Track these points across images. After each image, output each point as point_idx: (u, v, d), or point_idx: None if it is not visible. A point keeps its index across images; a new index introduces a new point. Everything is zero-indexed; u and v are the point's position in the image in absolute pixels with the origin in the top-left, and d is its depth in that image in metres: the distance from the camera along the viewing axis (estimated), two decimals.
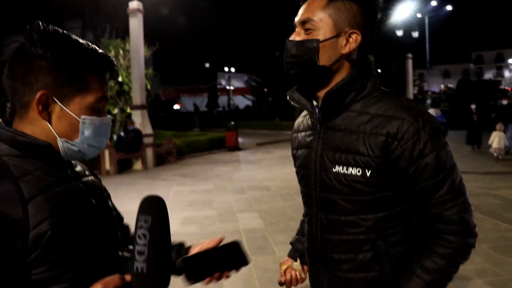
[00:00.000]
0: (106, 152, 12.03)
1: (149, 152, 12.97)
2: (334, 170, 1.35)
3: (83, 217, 1.08)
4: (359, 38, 1.33)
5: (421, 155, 1.26)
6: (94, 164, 11.45)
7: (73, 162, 1.21)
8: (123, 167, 12.61)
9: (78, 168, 1.23)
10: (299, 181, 1.54)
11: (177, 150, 14.35)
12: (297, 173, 1.54)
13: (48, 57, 1.06)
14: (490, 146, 12.62)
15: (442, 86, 73.18)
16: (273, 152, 15.98)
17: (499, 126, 12.52)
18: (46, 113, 1.08)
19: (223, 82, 64.91)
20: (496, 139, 12.22)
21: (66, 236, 1.02)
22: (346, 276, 1.39)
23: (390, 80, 28.43)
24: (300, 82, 1.41)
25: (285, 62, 1.38)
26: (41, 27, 1.08)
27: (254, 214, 7.13)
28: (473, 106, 15.81)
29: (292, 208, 7.27)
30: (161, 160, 13.74)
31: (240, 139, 18.43)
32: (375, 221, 1.34)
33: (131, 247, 1.24)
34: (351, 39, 1.33)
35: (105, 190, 1.27)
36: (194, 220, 6.73)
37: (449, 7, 41.76)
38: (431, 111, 11.59)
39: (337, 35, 1.32)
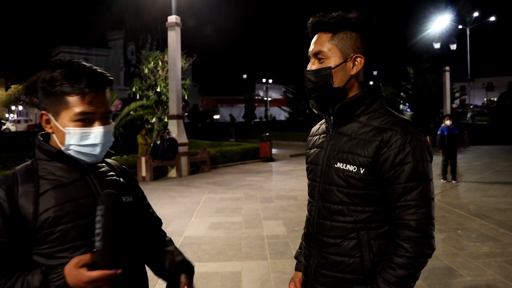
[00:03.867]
0: (143, 160, 12.61)
1: (184, 161, 13.47)
2: (335, 165, 1.61)
3: (80, 207, 1.41)
4: (363, 60, 1.62)
5: (401, 163, 1.50)
6: (132, 170, 11.99)
7: (105, 161, 1.58)
8: (158, 174, 13.17)
9: (104, 168, 1.56)
10: (308, 175, 1.80)
11: (211, 159, 14.80)
12: (307, 168, 1.81)
13: (41, 87, 1.43)
14: None
15: (485, 99, 71.39)
16: (305, 164, 16.17)
17: None
18: (49, 127, 1.46)
19: (261, 93, 65.47)
20: None
21: (66, 221, 1.38)
22: (332, 258, 1.62)
23: (425, 93, 28.17)
24: (321, 102, 1.70)
25: (306, 88, 1.68)
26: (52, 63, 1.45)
27: (279, 221, 7.42)
28: None
29: None
30: (196, 168, 14.22)
31: (274, 150, 18.74)
32: (362, 213, 1.57)
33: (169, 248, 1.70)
34: (356, 62, 1.62)
35: (124, 189, 1.56)
36: (221, 225, 7.08)
37: (492, 18, 40.71)
38: (447, 121, 11.40)
39: (345, 61, 1.61)
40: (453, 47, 26.25)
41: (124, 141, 16.07)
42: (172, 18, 13.76)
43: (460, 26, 38.07)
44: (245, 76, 55.32)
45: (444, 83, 22.93)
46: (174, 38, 13.74)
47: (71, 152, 1.44)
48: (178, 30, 13.84)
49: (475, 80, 72.77)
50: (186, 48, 16.09)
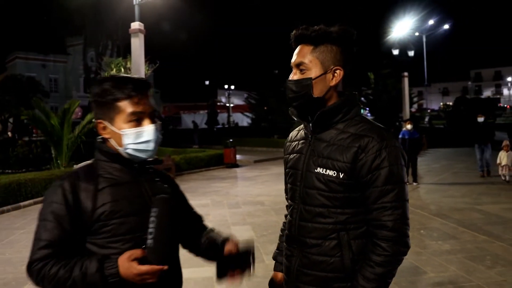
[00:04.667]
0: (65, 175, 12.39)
1: None
2: (316, 170, 1.70)
3: (132, 205, 1.59)
4: (342, 72, 1.72)
5: (377, 167, 1.61)
6: None
7: (151, 167, 1.74)
8: None
9: (152, 174, 1.74)
10: (287, 180, 1.88)
11: (176, 166, 14.72)
12: (287, 173, 1.89)
13: (94, 100, 1.64)
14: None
15: (441, 104, 73.75)
16: (269, 169, 16.35)
17: (505, 144, 11.55)
18: (106, 133, 1.64)
19: (223, 99, 65.43)
20: (505, 159, 11.38)
21: (119, 216, 1.55)
22: (314, 258, 1.71)
23: (385, 97, 28.93)
24: (301, 110, 1.78)
25: (287, 97, 1.76)
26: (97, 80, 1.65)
27: (247, 226, 7.50)
28: None
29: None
30: None
31: (238, 156, 18.79)
32: (342, 215, 1.66)
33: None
34: (336, 74, 1.72)
35: (170, 193, 1.68)
36: None
37: (446, 26, 42.24)
38: (408, 126, 11.74)
39: (325, 72, 1.70)
40: (411, 53, 27.02)
41: (87, 149, 15.79)
42: (136, 25, 13.64)
43: (416, 34, 39.27)
44: (207, 82, 55.20)
45: (403, 88, 23.52)
46: (137, 44, 13.63)
47: (129, 151, 1.62)
48: (141, 36, 13.73)
49: (431, 85, 75.10)
50: (148, 54, 15.98)
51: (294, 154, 1.85)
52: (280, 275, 2.01)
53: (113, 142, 1.64)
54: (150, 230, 1.48)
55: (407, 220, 1.64)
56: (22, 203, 9.93)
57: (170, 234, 1.54)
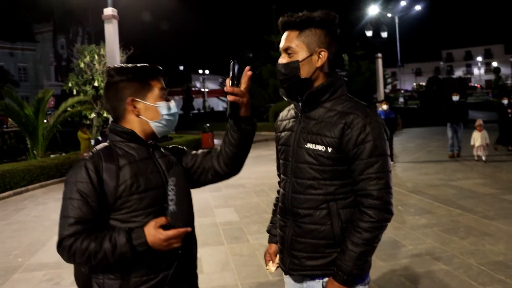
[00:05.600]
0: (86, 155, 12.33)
1: None
2: (306, 146, 1.82)
3: (150, 180, 1.70)
4: (326, 53, 1.82)
5: (362, 141, 1.72)
6: None
7: (159, 146, 1.86)
8: None
9: (162, 150, 1.87)
10: (280, 156, 2.01)
11: None
12: (279, 150, 2.01)
13: (125, 79, 1.74)
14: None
15: (415, 84, 74.84)
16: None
17: (478, 124, 11.28)
18: (136, 110, 1.75)
19: (198, 84, 65.09)
20: (479, 140, 11.19)
21: (139, 191, 1.66)
22: (306, 227, 1.83)
23: (359, 79, 29.27)
24: (291, 91, 1.88)
25: (278, 79, 1.88)
26: (113, 67, 1.78)
27: (230, 209, 7.63)
28: (505, 101, 13.49)
29: (266, 203, 7.77)
30: None
31: (216, 141, 18.86)
32: (331, 186, 1.78)
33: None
34: (321, 55, 1.82)
35: (177, 164, 1.86)
36: None
37: (418, 7, 42.57)
38: (384, 106, 11.96)
39: (311, 55, 1.81)
40: (384, 34, 27.30)
41: (62, 139, 15.64)
42: (109, 11, 13.41)
43: (389, 15, 39.59)
44: (181, 67, 54.78)
45: (377, 70, 23.85)
46: (111, 31, 13.43)
47: (163, 122, 1.78)
48: (115, 22, 13.53)
49: (405, 66, 76.01)
50: (122, 40, 15.78)
51: (286, 132, 1.97)
52: (274, 246, 2.14)
53: (143, 118, 1.76)
54: (170, 197, 1.61)
55: (391, 189, 1.76)
56: (1, 194, 9.85)
57: (189, 198, 1.68)
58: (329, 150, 1.77)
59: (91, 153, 1.72)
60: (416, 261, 4.68)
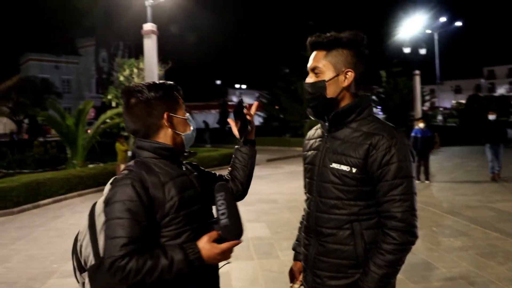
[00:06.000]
0: (122, 167, 12.60)
1: None
2: (330, 166, 1.84)
3: (192, 196, 1.75)
4: (353, 74, 1.86)
5: (387, 163, 1.73)
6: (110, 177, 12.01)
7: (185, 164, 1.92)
8: None
9: (190, 167, 1.92)
10: (306, 175, 2.03)
11: None
12: (305, 169, 2.04)
13: (158, 96, 1.78)
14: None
15: (454, 102, 73.17)
16: (282, 168, 16.46)
17: None
18: (170, 124, 1.79)
19: (234, 99, 65.58)
20: None
21: (185, 207, 1.70)
22: (329, 246, 1.85)
23: (396, 96, 28.85)
24: (317, 110, 1.92)
25: (304, 98, 1.93)
26: (140, 85, 1.80)
27: (262, 224, 7.65)
28: None
29: (298, 219, 7.61)
30: None
31: None
32: (354, 207, 1.80)
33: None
34: (347, 75, 1.85)
35: (204, 182, 1.91)
36: None
37: (459, 23, 41.77)
38: (420, 124, 11.74)
39: (337, 75, 1.85)
40: (423, 51, 26.91)
41: (101, 149, 16.03)
42: (148, 26, 13.80)
43: (428, 31, 39.04)
44: (218, 82, 55.48)
45: (415, 87, 23.51)
46: (150, 45, 13.79)
47: (193, 132, 1.88)
48: (154, 37, 13.89)
49: (444, 83, 74.49)
50: (160, 55, 16.13)
51: (312, 151, 2.00)
52: (299, 264, 2.15)
53: (178, 130, 1.83)
54: (221, 211, 1.66)
55: (415, 211, 1.75)
56: (41, 202, 10.19)
57: (239, 211, 1.70)
58: (354, 170, 1.78)
59: (130, 171, 1.70)
60: (449, 285, 4.56)
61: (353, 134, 1.83)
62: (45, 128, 44.64)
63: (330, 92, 1.85)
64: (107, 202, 1.64)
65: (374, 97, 31.13)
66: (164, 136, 1.80)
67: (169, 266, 1.56)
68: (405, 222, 1.72)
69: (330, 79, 1.85)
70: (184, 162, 1.93)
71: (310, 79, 1.91)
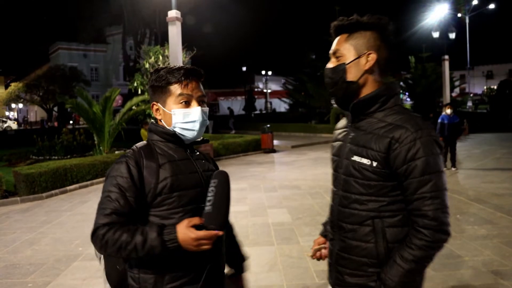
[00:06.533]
0: (127, 152, 12.76)
1: None
2: (352, 158, 1.75)
3: (190, 179, 1.77)
4: (375, 56, 1.76)
5: (412, 158, 1.62)
6: None
7: (194, 149, 1.94)
8: None
9: (199, 154, 1.95)
10: (332, 165, 1.94)
11: (214, 151, 14.99)
12: (332, 159, 1.96)
13: (150, 85, 1.85)
14: None
15: (485, 87, 71.32)
16: (306, 154, 16.41)
17: None
18: (159, 114, 1.84)
19: (260, 85, 65.46)
20: None
21: (179, 189, 1.72)
22: (350, 242, 1.78)
23: (424, 82, 28.27)
24: (337, 96, 1.84)
25: (325, 83, 1.85)
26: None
27: (283, 209, 7.65)
28: None
29: (320, 205, 7.74)
30: None
31: (275, 142, 18.93)
32: (376, 202, 1.70)
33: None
34: (369, 58, 1.76)
35: (212, 170, 1.92)
36: None
37: (491, 6, 40.43)
38: (448, 110, 11.47)
39: (358, 57, 1.76)
40: (452, 35, 26.25)
41: (126, 136, 16.26)
42: (173, 13, 13.84)
43: (459, 15, 37.99)
44: (244, 68, 55.25)
45: (444, 72, 22.99)
46: (175, 32, 13.85)
47: (176, 129, 1.81)
48: (178, 24, 13.94)
49: (474, 69, 72.72)
50: (186, 42, 16.18)
51: (338, 142, 1.93)
52: (322, 239, 2.13)
53: (163, 122, 1.83)
54: (209, 198, 1.64)
55: (447, 208, 1.66)
56: (68, 187, 10.45)
57: (228, 202, 1.68)
58: (374, 164, 1.69)
59: (131, 150, 1.79)
60: (472, 274, 4.49)
61: (377, 125, 1.73)
62: (74, 116, 45.55)
63: (351, 75, 1.77)
64: (106, 177, 1.76)
65: (401, 83, 30.60)
66: (164, 122, 1.85)
67: (143, 242, 1.57)
68: (437, 221, 1.62)
69: (350, 62, 1.77)
70: (196, 149, 1.94)
71: (331, 64, 1.84)
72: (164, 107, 1.82)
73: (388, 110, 1.75)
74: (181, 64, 12.43)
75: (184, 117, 1.80)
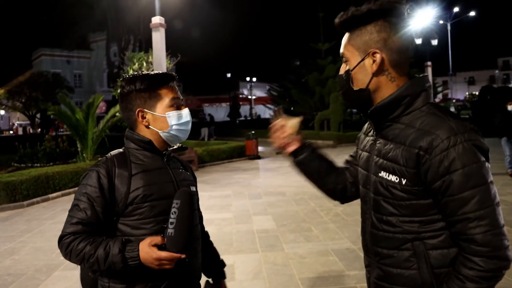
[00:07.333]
0: (100, 160, 12.64)
1: None
2: (380, 175, 1.48)
3: (163, 189, 1.74)
4: (380, 55, 1.44)
5: (447, 171, 1.32)
6: None
7: (174, 156, 1.92)
8: None
9: (177, 162, 1.92)
10: (360, 181, 1.67)
11: (198, 158, 14.90)
12: (359, 172, 1.68)
13: (133, 89, 1.77)
14: None
15: (467, 93, 72.39)
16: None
17: None
18: (145, 120, 1.79)
19: (245, 92, 65.58)
20: None
21: (151, 199, 1.69)
22: (388, 270, 1.51)
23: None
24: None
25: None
26: (124, 78, 1.83)
27: (268, 216, 7.60)
28: None
29: (305, 212, 7.71)
30: None
31: (260, 148, 18.88)
32: (411, 223, 1.42)
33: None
34: (374, 57, 1.45)
35: (191, 180, 1.92)
36: (211, 222, 7.20)
37: (472, 13, 41.12)
38: None
39: (362, 59, 1.47)
40: (434, 42, 26.64)
41: (110, 143, 16.09)
42: (156, 19, 13.80)
43: (441, 22, 38.51)
44: (229, 75, 55.30)
45: None
46: (158, 38, 13.80)
47: (173, 132, 1.80)
48: (162, 31, 13.89)
49: (457, 75, 73.83)
50: (170, 48, 16.14)
51: (364, 152, 1.65)
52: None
53: (153, 128, 1.79)
54: (171, 220, 1.60)
55: (500, 229, 1.32)
56: (50, 195, 10.26)
57: (190, 225, 1.66)
58: (403, 181, 1.41)
59: (105, 158, 1.76)
60: None
61: (404, 132, 1.43)
62: (57, 123, 45.08)
63: (358, 82, 1.49)
64: (79, 182, 1.75)
65: None
66: (143, 131, 1.81)
67: (105, 257, 1.57)
68: (488, 246, 1.30)
69: (354, 67, 1.49)
70: (174, 156, 1.92)
71: (342, 70, 1.56)
72: (154, 112, 1.78)
73: (416, 112, 1.44)
74: (164, 70, 12.40)
75: (178, 119, 1.81)
